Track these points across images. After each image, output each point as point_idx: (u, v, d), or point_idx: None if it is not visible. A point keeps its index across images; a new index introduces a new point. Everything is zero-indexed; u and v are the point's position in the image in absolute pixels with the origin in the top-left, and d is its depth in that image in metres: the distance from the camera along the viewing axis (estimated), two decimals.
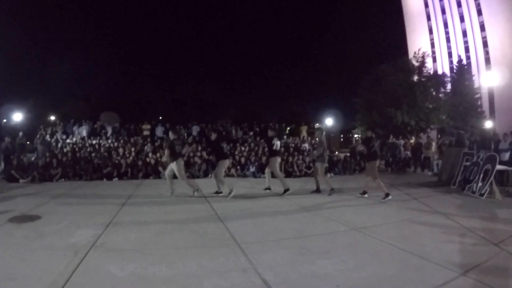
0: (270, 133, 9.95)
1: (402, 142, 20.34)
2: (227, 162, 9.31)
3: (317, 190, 9.64)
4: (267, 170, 9.93)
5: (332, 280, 3.50)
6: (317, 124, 29.42)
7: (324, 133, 10.82)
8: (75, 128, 17.50)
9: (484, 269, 3.83)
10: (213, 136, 9.29)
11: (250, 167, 13.63)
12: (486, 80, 22.02)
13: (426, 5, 63.45)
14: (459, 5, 57.61)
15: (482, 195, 8.89)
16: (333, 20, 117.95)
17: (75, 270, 3.63)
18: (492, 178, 8.92)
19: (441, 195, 9.44)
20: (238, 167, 13.81)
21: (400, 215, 6.75)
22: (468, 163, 10.61)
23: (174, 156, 8.51)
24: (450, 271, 3.73)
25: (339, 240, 4.99)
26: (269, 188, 9.70)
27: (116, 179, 12.01)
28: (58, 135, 16.91)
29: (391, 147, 18.90)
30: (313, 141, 17.97)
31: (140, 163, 12.76)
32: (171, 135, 9.22)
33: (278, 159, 9.95)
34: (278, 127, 21.58)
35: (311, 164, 13.51)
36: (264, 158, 13.86)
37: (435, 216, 6.74)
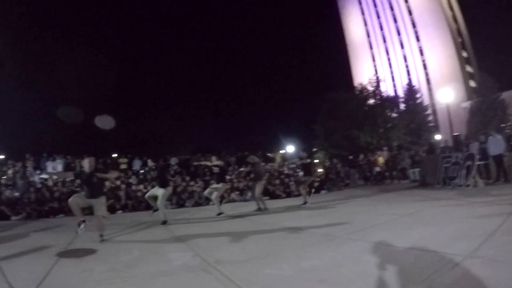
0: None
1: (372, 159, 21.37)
2: (170, 190, 8.94)
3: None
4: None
5: (433, 237, 4.62)
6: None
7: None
8: (48, 163, 16.33)
9: None
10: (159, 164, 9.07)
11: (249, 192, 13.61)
12: (443, 97, 23.82)
13: (368, 35, 68.09)
14: (398, 33, 62.68)
15: (468, 185, 10.54)
16: (279, 54, 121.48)
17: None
18: (474, 171, 10.68)
19: (436, 191, 10.74)
20: (238, 192, 13.77)
21: (426, 204, 7.92)
22: (448, 165, 12.04)
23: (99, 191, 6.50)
24: (501, 217, 5.30)
25: (407, 221, 6.08)
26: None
27: (121, 211, 11.31)
28: (29, 170, 15.60)
29: (368, 164, 19.75)
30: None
31: (139, 193, 12.14)
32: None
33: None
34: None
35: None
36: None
37: (448, 201, 8.20)
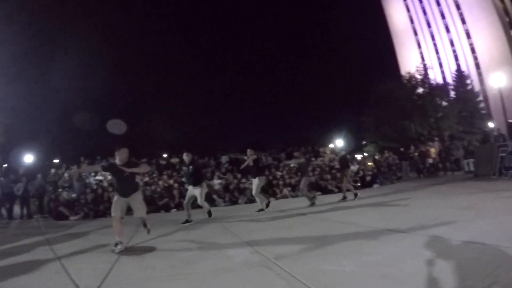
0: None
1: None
2: (203, 185, 8.39)
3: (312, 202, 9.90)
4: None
5: (494, 231, 4.46)
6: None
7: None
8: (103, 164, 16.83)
9: None
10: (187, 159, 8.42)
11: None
12: (495, 82, 22.31)
13: (412, 21, 65.05)
14: (443, 16, 59.35)
15: None
16: (323, 46, 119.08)
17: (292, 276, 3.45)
18: None
19: (493, 183, 10.52)
20: (289, 188, 13.65)
21: (484, 197, 7.78)
22: (504, 154, 11.60)
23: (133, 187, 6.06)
24: None
25: (466, 214, 5.91)
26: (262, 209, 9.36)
27: (175, 210, 11.37)
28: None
29: (420, 156, 19.04)
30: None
31: None
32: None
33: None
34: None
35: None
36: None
37: (506, 193, 7.97)
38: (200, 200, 8.09)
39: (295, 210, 8.98)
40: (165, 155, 20.12)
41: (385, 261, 3.69)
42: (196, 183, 8.11)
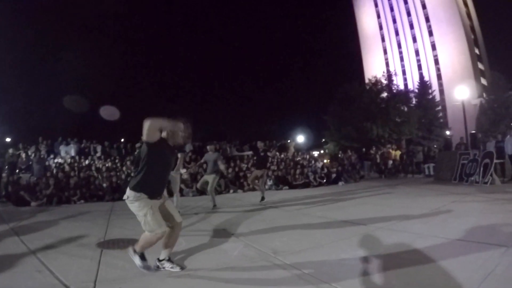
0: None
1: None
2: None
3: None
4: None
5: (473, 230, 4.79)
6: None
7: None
8: (62, 147, 15.92)
9: None
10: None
11: (267, 180, 13.26)
12: (459, 94, 23.47)
13: (381, 28, 67.18)
14: (411, 27, 61.90)
15: (486, 183, 10.65)
16: (292, 46, 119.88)
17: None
18: (492, 169, 10.77)
19: (454, 187, 10.76)
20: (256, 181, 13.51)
21: (451, 199, 7.89)
22: (465, 161, 12.28)
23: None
24: None
25: (440, 215, 6.15)
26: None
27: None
28: (42, 154, 15.06)
29: (382, 157, 19.76)
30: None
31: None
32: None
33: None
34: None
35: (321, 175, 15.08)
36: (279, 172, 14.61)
37: (471, 196, 8.27)
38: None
39: (268, 203, 9.08)
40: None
41: (386, 256, 3.82)
42: None
